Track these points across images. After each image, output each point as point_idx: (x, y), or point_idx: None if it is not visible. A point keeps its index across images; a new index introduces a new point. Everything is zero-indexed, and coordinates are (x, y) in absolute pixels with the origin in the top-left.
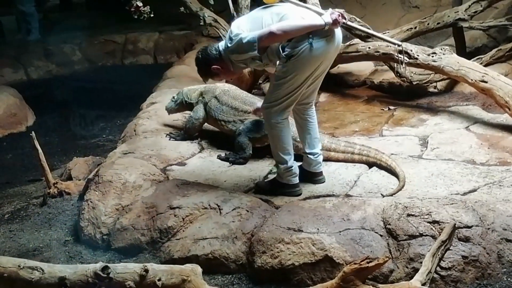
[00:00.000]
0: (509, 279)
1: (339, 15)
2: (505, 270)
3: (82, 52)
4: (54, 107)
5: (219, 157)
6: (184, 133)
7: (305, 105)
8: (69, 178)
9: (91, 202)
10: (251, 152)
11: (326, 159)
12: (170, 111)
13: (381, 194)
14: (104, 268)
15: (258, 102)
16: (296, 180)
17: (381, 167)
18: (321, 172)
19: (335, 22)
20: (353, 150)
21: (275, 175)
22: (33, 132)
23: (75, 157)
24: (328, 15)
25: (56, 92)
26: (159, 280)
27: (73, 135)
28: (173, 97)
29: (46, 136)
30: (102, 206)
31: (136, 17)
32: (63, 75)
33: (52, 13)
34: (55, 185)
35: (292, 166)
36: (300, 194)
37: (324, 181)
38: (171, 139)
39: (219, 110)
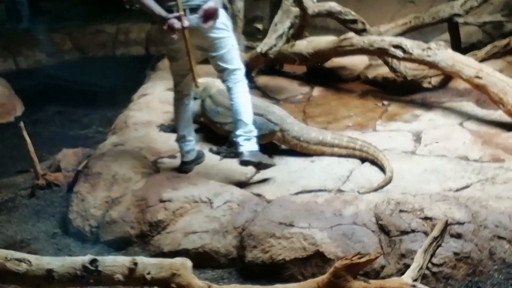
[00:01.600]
0: (500, 276)
1: (174, 23)
2: (496, 267)
3: (72, 42)
4: (44, 97)
5: (211, 151)
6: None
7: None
8: (58, 169)
9: (80, 194)
10: None
11: (331, 155)
12: None
13: (358, 192)
14: (93, 261)
15: (260, 102)
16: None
17: (374, 163)
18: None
19: (170, 26)
20: (355, 145)
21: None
22: (21, 122)
23: (64, 149)
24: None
25: (45, 82)
26: (148, 273)
27: (62, 126)
28: None
29: (35, 126)
30: (91, 198)
31: (128, 7)
32: (53, 65)
33: (43, 2)
34: (44, 176)
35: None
36: (186, 173)
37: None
38: (161, 131)
39: (214, 111)
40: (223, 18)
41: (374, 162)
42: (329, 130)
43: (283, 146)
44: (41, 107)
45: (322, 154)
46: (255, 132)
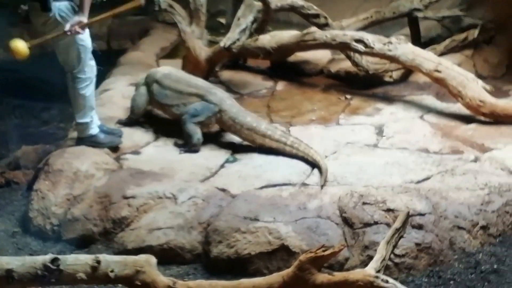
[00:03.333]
0: (460, 265)
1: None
2: (456, 257)
3: (31, 36)
4: (2, 93)
5: (175, 144)
6: (131, 114)
7: None
8: (17, 167)
9: (40, 192)
10: (200, 137)
11: (261, 145)
12: None
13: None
14: (54, 260)
15: (203, 84)
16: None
17: (307, 161)
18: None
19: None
20: (286, 141)
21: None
22: None
23: (24, 146)
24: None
25: (3, 78)
26: (111, 271)
27: (21, 122)
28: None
29: None
30: (52, 196)
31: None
32: (11, 60)
33: None
34: (3, 174)
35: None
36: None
37: None
38: (120, 125)
39: (162, 95)
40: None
41: (306, 160)
42: (294, 124)
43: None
44: None
45: (252, 142)
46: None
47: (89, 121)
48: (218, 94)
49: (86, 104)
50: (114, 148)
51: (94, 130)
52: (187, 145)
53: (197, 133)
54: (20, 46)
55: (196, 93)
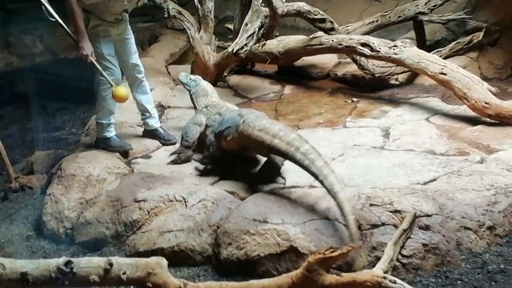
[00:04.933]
0: (467, 265)
1: (87, 55)
2: (463, 257)
3: (43, 44)
4: (16, 100)
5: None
6: (209, 156)
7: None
8: (31, 172)
9: (53, 196)
10: (215, 150)
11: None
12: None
13: None
14: (67, 263)
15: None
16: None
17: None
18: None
19: (82, 55)
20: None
21: None
22: None
23: (37, 151)
24: (88, 48)
25: (17, 85)
26: (124, 273)
27: (35, 128)
28: (190, 78)
29: (7, 129)
30: (65, 200)
31: None
32: (24, 67)
33: (12, 3)
34: (17, 179)
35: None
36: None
37: None
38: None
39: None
40: None
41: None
42: (301, 127)
43: None
44: (13, 109)
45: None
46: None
47: (105, 122)
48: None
49: (105, 106)
50: (124, 153)
51: (109, 133)
52: (202, 156)
53: (214, 147)
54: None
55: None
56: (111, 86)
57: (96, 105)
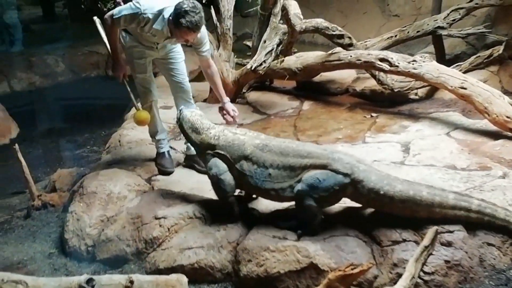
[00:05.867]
0: (491, 282)
1: (118, 77)
2: (487, 273)
3: (65, 63)
4: (38, 119)
5: (279, 225)
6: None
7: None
8: (53, 190)
9: (75, 213)
10: (320, 219)
11: (427, 218)
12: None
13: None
14: (89, 280)
15: (313, 148)
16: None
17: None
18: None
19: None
20: (469, 206)
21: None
22: (16, 144)
23: (59, 169)
24: (119, 70)
25: (39, 104)
26: None
27: (57, 146)
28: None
29: (29, 148)
30: (86, 217)
31: None
32: (47, 86)
33: (36, 24)
34: (39, 197)
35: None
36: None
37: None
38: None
39: (263, 176)
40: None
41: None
42: (320, 143)
43: None
44: (36, 128)
45: (412, 215)
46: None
47: (154, 138)
48: (346, 159)
49: (149, 123)
50: (163, 171)
51: (160, 149)
52: (305, 227)
53: (320, 212)
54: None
55: (314, 164)
56: (136, 109)
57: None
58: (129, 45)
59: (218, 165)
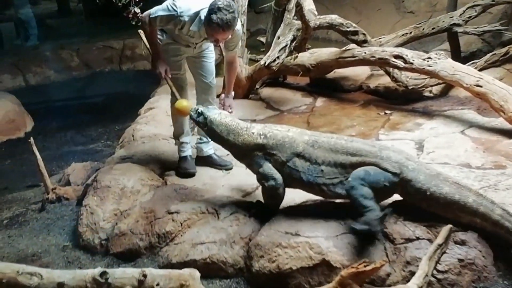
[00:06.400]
0: (505, 281)
1: (160, 73)
2: (500, 273)
3: (80, 58)
4: (53, 113)
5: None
6: (268, 207)
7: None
8: (68, 183)
9: (89, 207)
10: (379, 213)
11: (468, 224)
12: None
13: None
14: (103, 274)
15: (361, 145)
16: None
17: None
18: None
19: (159, 75)
20: None
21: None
22: (31, 138)
23: (74, 163)
24: (161, 67)
25: (54, 98)
26: (157, 285)
27: (71, 140)
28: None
29: (44, 142)
30: (100, 211)
31: (133, 23)
32: (61, 81)
33: (50, 19)
34: (54, 190)
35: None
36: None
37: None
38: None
39: (316, 172)
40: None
41: None
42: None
43: None
44: (50, 122)
45: (455, 219)
46: None
47: (177, 141)
48: (395, 157)
49: (175, 124)
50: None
51: (182, 153)
52: (363, 223)
53: (374, 206)
54: (183, 104)
55: (363, 162)
56: (177, 98)
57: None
58: (165, 42)
59: (276, 177)
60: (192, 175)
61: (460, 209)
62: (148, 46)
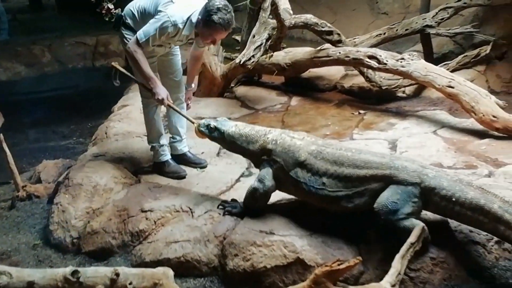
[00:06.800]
0: (476, 280)
1: (162, 99)
2: (471, 271)
3: (52, 53)
4: (23, 109)
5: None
6: (245, 206)
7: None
8: (38, 181)
9: (61, 205)
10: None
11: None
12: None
13: None
14: (74, 272)
15: (370, 156)
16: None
17: None
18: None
19: (159, 100)
20: None
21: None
22: (1, 134)
23: (45, 160)
24: (163, 92)
25: (25, 94)
26: (130, 283)
27: (42, 137)
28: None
29: (14, 138)
30: (72, 209)
31: (107, 19)
32: (33, 76)
33: (22, 14)
34: (24, 188)
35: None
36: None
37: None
38: (226, 213)
39: (317, 184)
40: None
41: None
42: None
43: None
44: (21, 118)
45: (479, 227)
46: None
47: (156, 145)
48: (411, 166)
49: (152, 128)
50: (177, 176)
51: (163, 157)
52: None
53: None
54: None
55: (375, 175)
56: (192, 123)
57: (146, 128)
58: None
59: (265, 183)
60: (185, 177)
61: (484, 215)
62: (140, 82)
